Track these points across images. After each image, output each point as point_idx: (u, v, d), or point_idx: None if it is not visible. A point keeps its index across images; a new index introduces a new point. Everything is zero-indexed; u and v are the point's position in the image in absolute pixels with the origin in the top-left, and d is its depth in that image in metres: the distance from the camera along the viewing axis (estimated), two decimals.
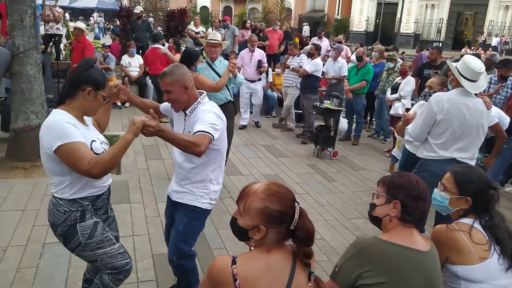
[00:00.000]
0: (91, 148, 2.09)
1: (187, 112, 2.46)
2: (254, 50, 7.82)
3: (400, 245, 1.65)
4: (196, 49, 8.67)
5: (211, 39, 4.88)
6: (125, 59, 9.07)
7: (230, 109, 4.91)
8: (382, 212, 1.79)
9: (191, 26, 11.32)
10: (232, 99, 5.00)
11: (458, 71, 3.20)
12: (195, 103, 2.43)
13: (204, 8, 37.58)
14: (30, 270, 3.04)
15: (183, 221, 2.53)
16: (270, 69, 9.44)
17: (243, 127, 7.88)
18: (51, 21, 9.30)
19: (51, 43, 9.70)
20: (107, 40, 14.18)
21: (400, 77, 6.99)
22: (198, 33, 10.93)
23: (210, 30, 12.04)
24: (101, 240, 2.20)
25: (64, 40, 11.57)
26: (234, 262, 1.34)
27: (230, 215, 3.69)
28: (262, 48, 10.83)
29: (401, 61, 8.09)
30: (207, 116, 2.33)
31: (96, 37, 14.27)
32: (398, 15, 26.68)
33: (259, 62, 7.77)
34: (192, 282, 2.69)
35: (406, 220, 1.73)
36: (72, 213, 2.13)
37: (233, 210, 4.40)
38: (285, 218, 1.37)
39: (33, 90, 5.11)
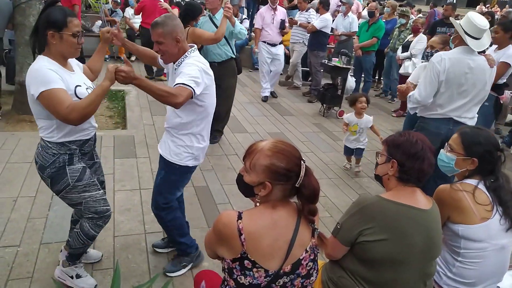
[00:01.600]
0: (75, 93, 2.11)
1: (175, 65, 2.40)
2: (276, 8, 6.81)
3: (401, 203, 1.68)
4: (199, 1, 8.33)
5: None
6: (128, 11, 8.84)
7: (231, 66, 4.78)
8: (382, 170, 1.81)
9: None
10: (234, 55, 4.79)
11: (462, 28, 3.11)
12: (182, 56, 2.36)
13: None
14: (40, 220, 3.14)
15: (161, 174, 2.55)
16: None
17: (265, 99, 6.99)
18: None
19: None
20: None
21: (411, 35, 6.79)
22: None
23: None
24: (88, 184, 2.28)
25: None
26: (239, 217, 1.37)
27: (235, 172, 3.74)
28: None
29: (414, 18, 7.82)
30: (189, 69, 2.26)
31: None
32: None
33: (282, 23, 6.80)
34: (175, 234, 2.70)
35: (404, 179, 1.73)
36: (60, 156, 2.20)
37: (238, 167, 4.48)
38: (291, 176, 1.37)
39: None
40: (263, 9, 6.98)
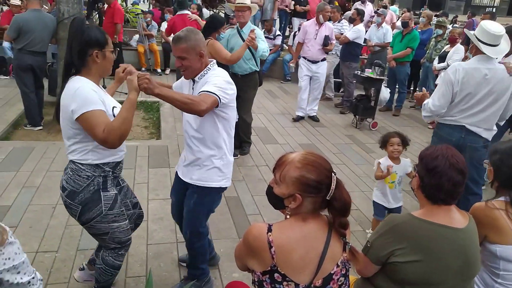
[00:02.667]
0: (113, 115, 2.06)
1: (196, 79, 2.31)
2: (322, 23, 6.28)
3: (434, 223, 1.61)
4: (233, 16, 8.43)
5: (238, 3, 4.59)
6: (164, 25, 9.10)
7: (254, 79, 4.79)
8: (413, 184, 1.77)
9: None
10: (257, 69, 4.76)
11: (476, 37, 3.04)
12: (205, 69, 2.29)
13: None
14: (77, 227, 3.24)
15: (193, 198, 2.43)
16: None
17: (297, 119, 6.51)
18: None
19: (94, 9, 9.87)
20: (145, 6, 14.23)
21: (448, 45, 6.61)
22: None
23: None
24: (118, 214, 2.19)
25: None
26: (269, 229, 1.36)
27: (265, 183, 3.72)
28: (303, 14, 10.53)
29: (450, 28, 7.62)
30: (215, 79, 2.21)
31: (135, 3, 14.36)
32: None
33: (326, 38, 6.24)
34: (199, 260, 2.61)
35: (429, 196, 1.66)
36: (95, 178, 2.09)
37: (268, 178, 4.45)
38: (321, 188, 1.36)
39: None
40: (308, 24, 6.51)
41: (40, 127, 5.36)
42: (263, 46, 4.53)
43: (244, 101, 4.70)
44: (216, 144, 2.34)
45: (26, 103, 5.30)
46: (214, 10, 11.19)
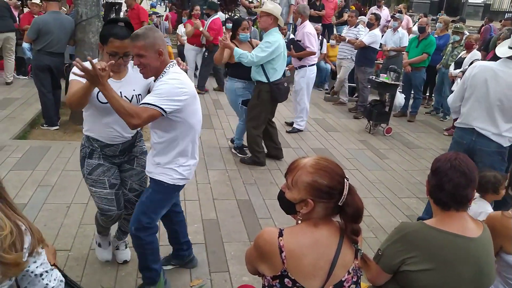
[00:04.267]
0: (97, 97, 2.32)
1: (156, 82, 2.25)
2: (298, 26, 6.08)
3: (446, 231, 1.58)
4: (249, 18, 8.45)
5: (264, 10, 4.58)
6: (181, 28, 9.18)
7: (258, 89, 4.57)
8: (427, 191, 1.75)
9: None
10: (264, 81, 4.49)
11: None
12: (164, 71, 2.21)
13: None
14: (91, 227, 3.28)
15: (147, 192, 2.44)
16: (324, 40, 9.16)
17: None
18: None
19: (111, 11, 10.02)
20: (162, 9, 14.39)
21: (465, 51, 6.52)
22: (251, 2, 10.77)
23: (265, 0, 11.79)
24: (96, 180, 2.49)
25: (124, 8, 11.89)
26: (281, 234, 1.35)
27: (277, 187, 3.70)
28: (318, 18, 10.50)
29: (467, 34, 7.52)
30: (162, 87, 2.13)
31: (152, 6, 14.55)
32: None
33: (288, 42, 5.88)
34: (149, 259, 2.51)
35: (434, 200, 1.66)
36: (84, 148, 2.52)
37: (280, 182, 4.45)
38: (334, 193, 1.35)
39: (95, 57, 5.31)
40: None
41: (57, 127, 5.45)
42: (240, 51, 4.35)
43: (248, 109, 4.73)
44: (176, 148, 2.31)
45: (44, 103, 5.39)
46: (230, 14, 11.25)
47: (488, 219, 1.86)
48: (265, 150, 4.94)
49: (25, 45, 5.40)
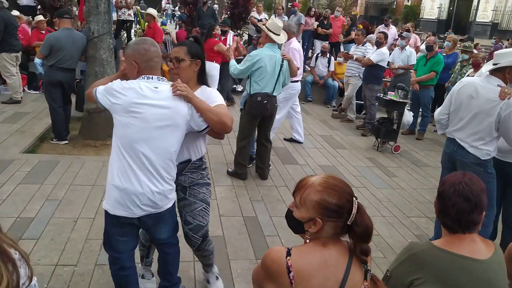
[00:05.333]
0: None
1: None
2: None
3: (453, 253, 1.56)
4: (257, 36, 8.54)
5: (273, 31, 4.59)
6: None
7: (247, 101, 4.65)
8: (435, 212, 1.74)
9: (254, 13, 11.34)
10: (249, 92, 4.58)
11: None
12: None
13: None
14: (97, 242, 3.27)
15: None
16: (332, 58, 9.22)
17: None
18: (123, 7, 9.76)
19: (123, 29, 10.21)
20: (172, 27, 14.62)
21: (472, 70, 6.51)
22: (260, 20, 10.92)
23: (272, 17, 11.94)
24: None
25: (134, 26, 12.13)
26: (288, 253, 1.33)
27: (284, 204, 3.66)
28: (325, 36, 10.59)
29: (476, 52, 7.52)
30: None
31: (163, 23, 14.80)
32: (475, 2, 24.61)
33: None
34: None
35: (441, 223, 1.65)
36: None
37: (287, 199, 4.41)
38: (342, 212, 1.33)
39: (106, 73, 5.42)
40: None
41: (66, 141, 5.50)
42: (232, 62, 4.63)
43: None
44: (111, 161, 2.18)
45: (54, 118, 5.46)
46: (239, 31, 11.40)
47: (510, 247, 1.85)
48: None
49: (37, 60, 5.52)
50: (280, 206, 4.16)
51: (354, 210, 1.33)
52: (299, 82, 6.11)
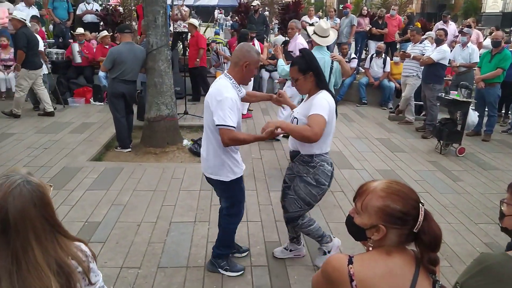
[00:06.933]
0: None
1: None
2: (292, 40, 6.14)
3: None
4: (308, 40, 8.47)
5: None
6: None
7: None
8: (510, 223, 1.56)
9: (305, 18, 11.28)
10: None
11: None
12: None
13: None
14: (159, 245, 3.41)
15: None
16: (388, 58, 8.93)
17: None
18: (179, 19, 10.15)
19: (179, 40, 10.61)
20: (224, 35, 14.93)
21: None
22: (312, 24, 10.84)
23: (324, 20, 11.80)
24: None
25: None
26: (350, 261, 1.29)
27: (341, 209, 3.60)
28: (380, 36, 10.29)
29: None
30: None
31: (216, 33, 15.18)
32: None
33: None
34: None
35: None
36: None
37: (344, 204, 4.31)
38: (408, 219, 1.27)
39: (164, 84, 5.66)
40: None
41: (129, 149, 5.80)
42: (281, 61, 4.88)
43: None
44: None
45: (117, 127, 5.78)
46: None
47: None
48: None
49: (101, 74, 5.86)
50: (336, 212, 4.08)
51: (421, 217, 1.27)
52: None
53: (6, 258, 1.14)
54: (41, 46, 7.52)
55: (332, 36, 4.69)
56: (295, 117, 2.82)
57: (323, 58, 4.52)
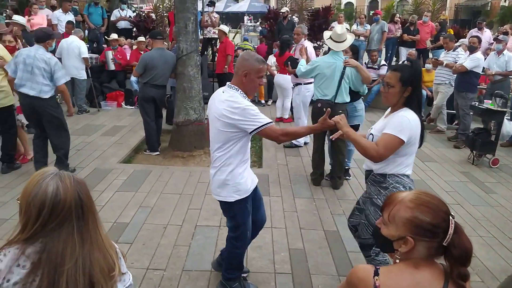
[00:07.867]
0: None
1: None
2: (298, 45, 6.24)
3: None
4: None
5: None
6: (271, 58, 9.50)
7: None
8: None
9: (335, 24, 11.21)
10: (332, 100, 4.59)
11: None
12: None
13: (348, 4, 36.87)
14: (184, 248, 3.45)
15: None
16: None
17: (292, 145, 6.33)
18: (209, 26, 10.30)
19: (209, 46, 10.77)
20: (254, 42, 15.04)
21: None
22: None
23: (354, 26, 11.68)
24: None
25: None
26: (376, 273, 1.27)
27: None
28: (412, 43, 10.10)
29: None
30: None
31: (245, 39, 15.31)
32: None
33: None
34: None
35: None
36: None
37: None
38: (437, 232, 1.24)
39: (193, 89, 5.75)
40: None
41: (157, 153, 5.91)
42: (302, 62, 4.95)
43: None
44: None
45: (147, 131, 5.90)
46: (318, 43, 11.35)
47: None
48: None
49: (133, 78, 5.99)
50: None
51: (451, 230, 1.23)
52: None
53: (73, 241, 1.23)
54: (86, 53, 7.87)
55: (349, 39, 4.66)
56: (371, 133, 2.60)
57: (335, 63, 4.58)
